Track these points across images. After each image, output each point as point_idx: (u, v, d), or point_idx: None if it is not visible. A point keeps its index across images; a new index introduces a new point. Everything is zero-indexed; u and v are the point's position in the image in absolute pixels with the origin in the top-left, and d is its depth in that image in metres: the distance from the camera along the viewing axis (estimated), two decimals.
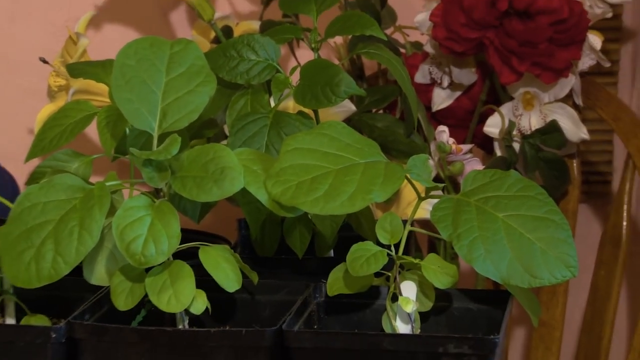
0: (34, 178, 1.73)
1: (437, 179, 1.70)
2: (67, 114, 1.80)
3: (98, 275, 1.67)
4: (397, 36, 2.43)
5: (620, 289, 2.50)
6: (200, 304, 1.63)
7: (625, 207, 2.48)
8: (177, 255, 1.61)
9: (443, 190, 1.67)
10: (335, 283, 1.67)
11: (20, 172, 1.93)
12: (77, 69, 2.06)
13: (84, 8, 2.52)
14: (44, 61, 2.41)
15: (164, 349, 1.62)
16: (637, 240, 2.58)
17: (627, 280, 2.58)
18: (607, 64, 2.46)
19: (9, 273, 1.61)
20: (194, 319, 1.67)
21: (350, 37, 2.08)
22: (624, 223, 2.48)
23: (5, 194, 1.77)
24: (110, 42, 2.54)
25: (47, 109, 2.24)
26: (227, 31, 2.38)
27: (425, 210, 1.65)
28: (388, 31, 2.37)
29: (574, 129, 2.35)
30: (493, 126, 2.34)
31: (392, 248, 1.63)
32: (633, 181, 2.47)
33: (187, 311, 1.64)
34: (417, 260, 1.64)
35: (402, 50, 2.39)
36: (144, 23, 2.68)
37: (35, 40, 2.48)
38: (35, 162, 1.78)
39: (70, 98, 2.27)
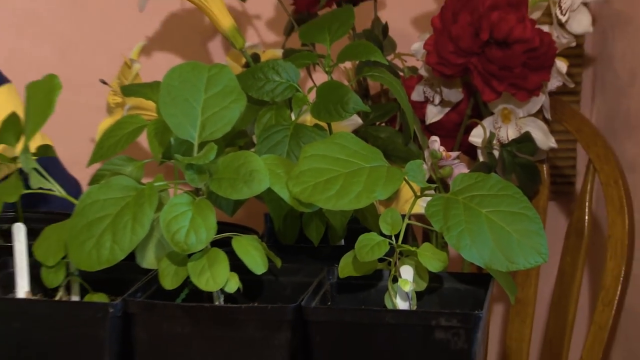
0: (94, 179, 1.73)
1: (430, 181, 1.69)
2: (122, 126, 1.80)
3: (148, 260, 1.66)
4: (397, 62, 2.42)
5: (583, 273, 2.49)
6: (233, 284, 1.63)
7: (587, 204, 2.47)
8: (214, 243, 1.61)
9: (435, 190, 1.65)
10: (345, 267, 1.67)
11: (83, 175, 1.92)
12: (130, 89, 2.07)
13: (136, 38, 2.52)
14: (104, 82, 2.41)
15: (203, 322, 1.62)
16: (597, 232, 2.57)
17: (589, 266, 2.57)
18: (571, 85, 2.45)
19: (74, 258, 1.61)
20: (228, 297, 1.66)
21: (357, 62, 2.07)
22: (586, 217, 2.47)
23: (70, 194, 1.77)
24: (158, 66, 2.53)
25: (106, 122, 2.24)
26: (255, 57, 2.37)
27: (420, 207, 1.64)
28: (389, 57, 2.36)
29: (544, 139, 2.34)
30: (477, 136, 2.33)
31: (393, 238, 1.62)
32: (593, 182, 2.46)
33: (222, 290, 1.64)
34: (413, 248, 1.64)
35: (401, 74, 2.38)
36: (186, 50, 2.67)
37: (97, 65, 2.48)
38: (95, 166, 1.78)
39: (125, 113, 2.27)
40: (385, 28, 2.44)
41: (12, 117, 1.88)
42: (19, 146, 1.85)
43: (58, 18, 2.62)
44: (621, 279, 2.35)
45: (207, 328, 1.62)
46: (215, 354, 1.62)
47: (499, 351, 2.68)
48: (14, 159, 1.86)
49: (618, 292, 2.35)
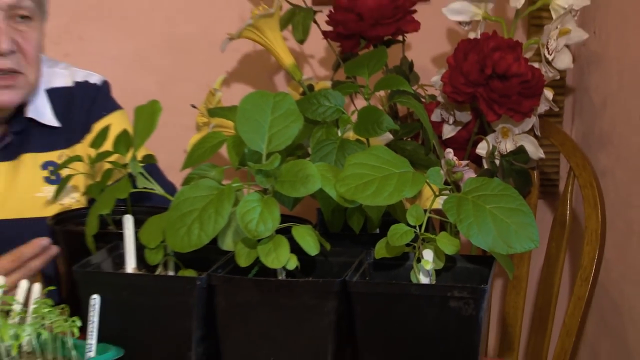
0: (186, 181, 1.73)
1: (446, 183, 1.68)
2: (207, 140, 1.80)
3: (227, 244, 1.66)
4: (420, 91, 2.42)
5: (565, 256, 2.47)
6: (292, 262, 1.63)
7: (568, 202, 2.45)
8: (278, 231, 1.61)
9: (450, 191, 1.64)
10: (380, 250, 1.67)
11: (177, 178, 1.92)
12: (214, 112, 2.08)
13: (219, 72, 2.52)
14: (194, 107, 2.41)
15: (268, 293, 1.62)
16: (576, 224, 2.55)
17: (570, 250, 2.55)
18: (556, 109, 2.44)
19: (170, 242, 1.63)
20: (288, 273, 1.66)
21: (389, 91, 2.07)
22: (568, 212, 2.46)
23: (167, 192, 1.77)
24: (235, 94, 2.52)
25: (195, 137, 2.24)
26: (310, 87, 2.37)
27: (438, 203, 1.63)
28: (414, 87, 2.36)
29: (534, 151, 2.33)
30: (482, 149, 2.32)
31: (417, 228, 1.61)
32: (573, 185, 2.44)
33: (284, 267, 1.63)
34: (433, 236, 1.63)
35: (423, 100, 2.38)
36: (257, 82, 2.67)
37: (188, 93, 2.48)
38: (187, 171, 1.78)
39: (210, 130, 2.27)
40: (410, 65, 2.43)
41: (124, 134, 1.90)
42: (129, 155, 1.86)
43: (158, 57, 2.63)
44: (595, 260, 2.34)
45: (272, 297, 1.62)
46: (277, 318, 1.62)
47: (498, 317, 2.66)
48: (124, 165, 1.87)
49: (593, 271, 2.34)
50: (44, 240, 1.83)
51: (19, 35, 2.01)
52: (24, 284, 1.65)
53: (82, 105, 2.18)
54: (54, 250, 1.84)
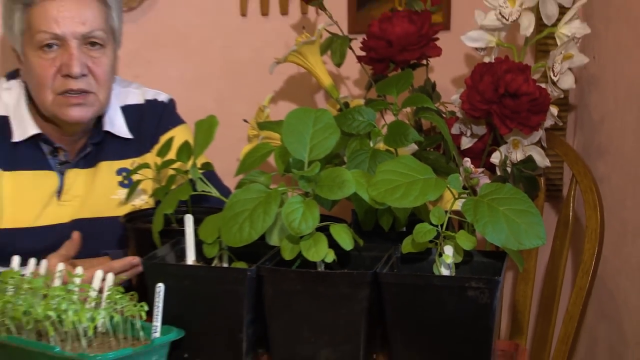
0: (239, 185, 1.73)
1: (464, 188, 1.67)
2: (257, 150, 1.80)
3: (274, 240, 1.66)
4: (441, 107, 2.40)
5: (568, 252, 2.46)
6: (330, 256, 1.62)
7: (571, 205, 2.44)
8: (317, 229, 1.60)
9: (468, 194, 1.63)
10: (406, 246, 1.66)
11: (231, 183, 1.92)
12: (263, 125, 2.08)
13: (267, 91, 2.51)
14: (245, 121, 2.41)
15: (309, 282, 1.61)
16: (578, 224, 2.53)
17: (572, 247, 2.53)
18: (560, 124, 2.43)
19: (224, 238, 1.63)
20: (326, 265, 1.65)
21: (415, 107, 2.06)
22: (570, 214, 2.44)
23: (222, 195, 1.78)
24: (281, 110, 2.52)
25: (247, 148, 2.24)
26: (346, 104, 2.36)
27: (457, 205, 1.62)
28: (436, 105, 2.34)
29: (541, 160, 2.30)
30: (495, 158, 2.31)
31: (439, 226, 1.61)
32: (575, 190, 2.43)
33: (323, 260, 1.63)
34: (453, 234, 1.62)
35: (444, 115, 2.36)
36: (300, 99, 2.67)
37: (240, 109, 2.47)
38: (240, 176, 1.77)
39: (259, 141, 2.26)
40: (433, 85, 2.42)
41: (185, 144, 1.89)
42: (190, 163, 1.86)
43: (216, 78, 2.63)
44: (594, 256, 2.33)
45: (312, 286, 1.61)
46: (317, 304, 1.61)
47: (510, 304, 2.64)
48: (186, 172, 1.86)
49: (592, 265, 2.33)
50: (135, 260, 1.85)
51: (91, 60, 2.01)
52: (99, 274, 1.65)
53: (151, 119, 2.19)
54: (140, 268, 1.84)
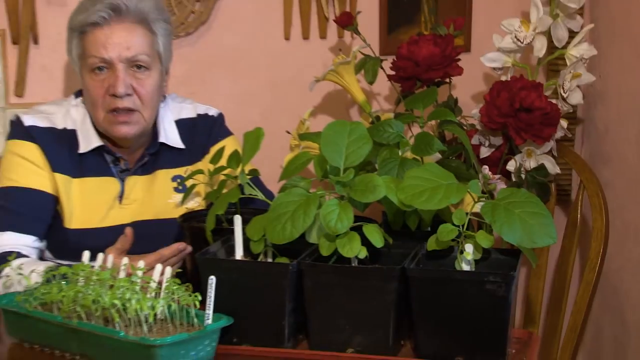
0: (282, 190, 1.72)
1: (482, 192, 1.66)
2: (298, 158, 1.80)
3: (312, 238, 1.66)
4: (462, 120, 2.39)
5: (576, 250, 2.44)
6: (363, 253, 1.62)
7: (579, 208, 2.42)
8: (351, 228, 1.60)
9: (486, 198, 1.62)
10: (431, 243, 1.65)
11: (275, 187, 1.92)
12: (304, 136, 2.10)
13: (307, 106, 2.51)
14: (288, 132, 2.41)
15: (344, 276, 1.61)
16: (585, 225, 2.50)
17: (580, 245, 2.51)
18: (569, 135, 2.41)
19: (269, 236, 1.63)
20: (360, 261, 1.64)
21: (439, 120, 2.05)
22: (578, 216, 2.42)
23: (267, 198, 1.77)
24: (320, 123, 2.51)
25: (289, 156, 2.24)
26: (377, 118, 2.35)
27: (477, 208, 1.61)
28: (458, 118, 2.33)
29: (552, 167, 2.29)
30: (511, 166, 2.29)
31: (461, 227, 1.60)
32: (583, 194, 2.41)
33: (356, 257, 1.62)
34: (473, 233, 1.61)
35: (465, 127, 2.34)
36: (336, 113, 2.66)
37: (284, 122, 2.48)
38: (283, 182, 1.77)
39: (300, 150, 2.26)
40: (455, 100, 2.41)
41: (235, 153, 1.90)
42: (238, 170, 1.86)
43: (262, 95, 2.63)
44: (600, 254, 2.31)
45: (347, 279, 1.61)
46: (351, 296, 1.61)
47: (523, 297, 2.61)
48: (235, 177, 1.87)
49: (598, 262, 2.30)
50: (181, 245, 1.86)
51: (136, 81, 2.02)
52: (158, 267, 1.66)
53: (203, 132, 2.19)
54: (188, 250, 1.85)
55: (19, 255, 1.95)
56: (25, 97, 2.41)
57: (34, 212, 2.03)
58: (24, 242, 2.00)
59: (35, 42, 2.41)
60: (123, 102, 2.00)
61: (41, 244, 2.05)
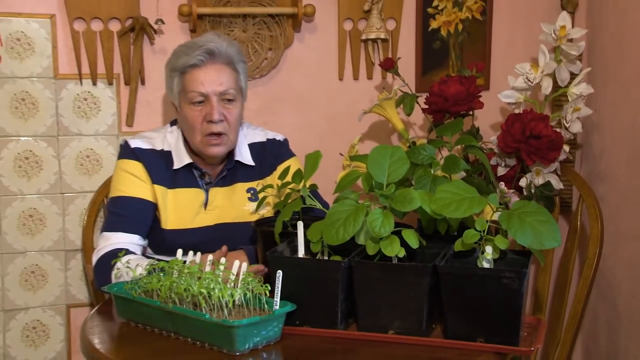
0: (336, 201, 1.70)
1: (500, 204, 1.62)
2: (349, 175, 1.77)
3: (361, 240, 1.63)
4: (483, 145, 2.34)
5: (576, 251, 2.41)
6: (401, 252, 1.59)
7: (578, 217, 2.39)
8: (392, 232, 1.57)
9: (503, 209, 1.58)
10: (457, 245, 1.61)
11: (330, 198, 1.89)
12: (354, 158, 2.07)
13: (356, 134, 2.49)
14: (341, 154, 2.38)
15: (386, 271, 1.58)
16: (584, 231, 2.45)
17: (579, 248, 2.46)
18: (571, 158, 2.40)
19: (326, 238, 1.61)
20: (399, 259, 1.61)
21: (464, 145, 2.01)
22: (578, 224, 2.39)
23: (324, 208, 1.75)
24: (367, 147, 2.49)
25: (342, 174, 2.22)
26: (414, 143, 2.32)
27: (495, 216, 1.57)
28: (479, 143, 2.29)
29: (557, 183, 2.24)
30: (523, 183, 2.25)
31: (482, 232, 1.56)
32: (582, 206, 2.38)
33: (396, 255, 1.59)
34: (492, 237, 1.58)
35: (485, 151, 2.30)
36: (380, 139, 2.64)
37: (338, 146, 2.46)
38: (336, 194, 1.75)
39: (351, 169, 2.23)
40: (477, 129, 2.37)
41: (298, 171, 1.88)
42: (301, 185, 1.84)
43: (321, 124, 2.62)
44: (596, 255, 2.29)
45: (388, 274, 1.58)
46: (392, 288, 1.58)
47: (533, 289, 2.56)
48: (298, 191, 1.84)
49: (595, 261, 2.28)
50: (261, 266, 1.84)
51: (225, 110, 2.03)
52: (236, 262, 1.64)
53: (271, 153, 2.19)
54: (265, 271, 1.83)
55: (127, 252, 1.95)
56: (134, 127, 2.42)
57: (139, 216, 2.04)
58: (131, 241, 2.01)
59: (142, 83, 2.43)
60: (217, 126, 2.02)
61: (144, 242, 2.06)
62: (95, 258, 1.98)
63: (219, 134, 2.03)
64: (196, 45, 2.03)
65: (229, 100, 2.03)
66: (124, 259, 1.88)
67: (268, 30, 2.49)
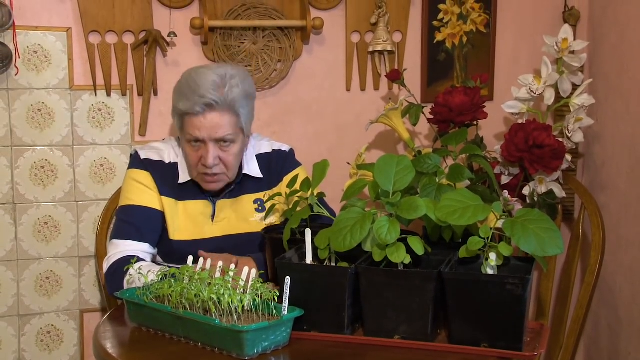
0: (343, 209, 1.69)
1: (504, 212, 1.61)
2: (356, 184, 1.76)
3: (367, 247, 1.62)
4: (487, 154, 2.34)
5: (579, 258, 2.39)
6: (407, 259, 1.57)
7: (580, 224, 2.38)
8: (398, 239, 1.56)
9: (506, 216, 1.57)
10: (462, 252, 1.60)
11: (338, 206, 1.88)
12: (361, 167, 2.06)
13: (363, 143, 2.49)
14: (348, 163, 2.38)
15: (392, 277, 1.57)
16: (585, 238, 2.45)
17: (582, 254, 2.45)
18: (573, 167, 2.40)
19: (333, 245, 1.59)
20: (405, 266, 1.60)
21: (468, 154, 2.00)
22: (580, 231, 2.38)
23: (331, 215, 1.74)
24: (374, 156, 2.49)
25: (349, 182, 2.20)
26: (419, 152, 2.31)
27: (499, 224, 1.56)
28: (484, 153, 2.29)
29: (559, 192, 2.24)
30: (526, 191, 2.25)
31: (486, 239, 1.55)
32: (584, 214, 2.36)
33: (402, 262, 1.58)
34: (496, 244, 1.57)
35: (489, 160, 2.29)
36: (387, 148, 2.64)
37: (345, 155, 2.46)
38: (344, 202, 1.74)
39: (358, 177, 2.23)
40: (481, 139, 2.37)
41: (306, 180, 1.87)
42: (309, 193, 1.83)
43: (328, 134, 2.62)
44: (598, 261, 2.27)
45: (394, 280, 1.57)
46: (398, 293, 1.56)
47: (536, 294, 2.56)
48: (306, 199, 1.84)
49: (597, 267, 2.27)
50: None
51: (222, 152, 1.99)
52: (246, 269, 1.64)
53: (277, 163, 2.17)
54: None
55: (138, 259, 1.95)
56: (147, 136, 2.42)
57: (148, 225, 2.03)
58: (141, 249, 2.00)
59: (155, 94, 2.43)
60: (212, 170, 1.99)
61: (154, 251, 2.04)
62: (106, 265, 1.98)
63: (216, 174, 2.00)
64: (197, 94, 1.94)
65: (226, 142, 1.99)
66: (136, 265, 1.87)
67: (277, 42, 2.49)
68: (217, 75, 1.96)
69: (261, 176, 2.13)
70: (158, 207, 2.05)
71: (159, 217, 2.04)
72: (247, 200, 2.11)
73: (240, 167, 2.11)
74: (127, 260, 1.89)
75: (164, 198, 2.05)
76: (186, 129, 1.98)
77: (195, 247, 2.00)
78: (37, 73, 2.33)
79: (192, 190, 2.08)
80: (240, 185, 2.11)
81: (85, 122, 2.38)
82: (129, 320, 1.74)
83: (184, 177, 2.07)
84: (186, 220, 2.06)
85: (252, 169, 2.12)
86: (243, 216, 2.09)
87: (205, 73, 1.97)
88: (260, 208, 2.10)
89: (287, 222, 1.81)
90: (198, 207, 2.08)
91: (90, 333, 2.42)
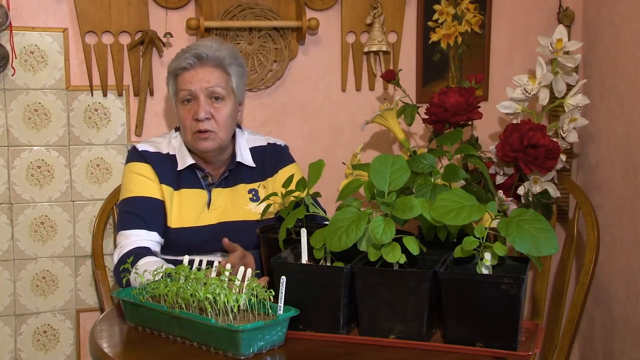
0: (338, 209, 1.68)
1: (498, 212, 1.61)
2: (352, 184, 1.76)
3: (363, 246, 1.62)
4: (482, 154, 2.33)
5: (573, 258, 2.39)
6: (402, 259, 1.57)
7: (575, 224, 2.37)
8: (394, 239, 1.56)
9: (501, 216, 1.57)
10: (457, 252, 1.60)
11: (333, 206, 1.88)
12: (356, 166, 2.04)
13: (359, 143, 2.48)
14: (344, 163, 2.37)
15: (387, 277, 1.57)
16: (580, 238, 2.44)
17: (576, 254, 2.45)
18: (567, 167, 2.39)
19: (328, 245, 1.59)
20: (400, 265, 1.60)
21: (463, 154, 2.00)
22: (575, 231, 2.37)
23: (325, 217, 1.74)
24: (369, 156, 2.48)
25: (344, 182, 2.19)
26: (414, 152, 2.31)
27: (494, 224, 1.56)
28: (478, 153, 2.28)
29: (554, 192, 2.24)
30: (521, 191, 2.25)
31: (481, 239, 1.55)
32: (578, 214, 2.36)
33: (397, 262, 1.57)
34: (491, 244, 1.56)
35: (484, 160, 2.29)
36: (382, 148, 2.64)
37: (341, 155, 2.46)
38: (339, 202, 1.73)
39: (353, 177, 2.22)
40: (476, 139, 2.36)
41: (302, 180, 1.86)
42: (304, 193, 1.82)
43: (324, 134, 2.62)
44: (593, 261, 2.27)
45: (389, 280, 1.57)
46: (393, 293, 1.56)
47: (530, 294, 2.55)
48: (302, 199, 1.84)
49: (591, 267, 2.27)
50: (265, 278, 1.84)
51: (213, 109, 2.06)
52: (241, 268, 1.64)
53: (272, 156, 2.21)
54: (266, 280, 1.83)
55: (149, 251, 1.98)
56: (143, 136, 2.42)
57: (153, 214, 2.06)
58: (151, 238, 2.03)
59: (151, 94, 2.43)
60: (203, 124, 2.04)
61: (162, 240, 2.07)
62: (117, 256, 1.99)
63: (207, 131, 2.05)
64: (188, 52, 2.07)
65: (217, 98, 2.06)
66: (142, 261, 1.92)
67: (273, 43, 2.49)
68: (209, 39, 2.14)
69: (254, 165, 2.16)
70: (159, 197, 2.08)
71: (161, 206, 2.07)
72: (242, 190, 2.15)
73: (234, 157, 2.14)
74: (139, 252, 1.94)
75: (164, 186, 2.08)
76: (179, 86, 2.08)
77: (191, 235, 2.05)
78: (34, 73, 2.32)
79: (190, 179, 2.11)
80: (235, 174, 2.15)
81: (82, 122, 2.38)
82: (125, 320, 1.73)
83: (182, 164, 2.10)
84: (182, 208, 2.08)
85: (245, 158, 2.16)
86: (238, 205, 2.12)
87: (196, 42, 2.19)
88: (254, 198, 2.15)
89: (282, 221, 1.81)
90: (194, 195, 2.10)
91: (86, 333, 2.41)
